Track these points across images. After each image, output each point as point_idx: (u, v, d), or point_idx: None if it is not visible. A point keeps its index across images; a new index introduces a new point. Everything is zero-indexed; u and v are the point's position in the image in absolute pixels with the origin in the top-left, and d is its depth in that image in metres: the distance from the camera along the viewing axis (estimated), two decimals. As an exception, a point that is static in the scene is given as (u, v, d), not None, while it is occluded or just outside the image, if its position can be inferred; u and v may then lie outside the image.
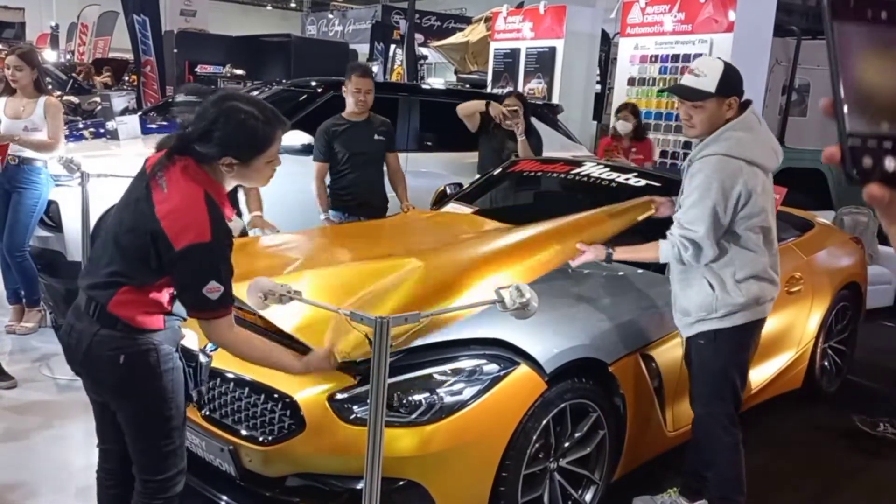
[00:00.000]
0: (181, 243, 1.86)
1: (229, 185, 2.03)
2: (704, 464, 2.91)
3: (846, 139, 0.69)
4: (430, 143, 6.15)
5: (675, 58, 6.36)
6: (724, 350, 2.75)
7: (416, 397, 2.39)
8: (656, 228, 2.89)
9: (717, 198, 2.57)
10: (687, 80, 2.66)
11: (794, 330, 3.90)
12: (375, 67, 14.85)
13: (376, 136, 4.44)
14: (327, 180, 4.49)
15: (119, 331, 1.95)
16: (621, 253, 2.83)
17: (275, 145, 2.00)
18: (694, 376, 2.86)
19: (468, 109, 5.27)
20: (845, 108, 0.69)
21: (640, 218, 3.05)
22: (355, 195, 4.45)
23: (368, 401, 1.94)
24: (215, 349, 2.59)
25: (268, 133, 1.98)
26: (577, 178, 4.11)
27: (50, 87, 5.05)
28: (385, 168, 4.57)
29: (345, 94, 4.39)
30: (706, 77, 2.60)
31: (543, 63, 8.55)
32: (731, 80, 2.61)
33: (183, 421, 2.10)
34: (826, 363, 4.32)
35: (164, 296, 2.00)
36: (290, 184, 5.12)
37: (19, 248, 4.43)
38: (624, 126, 5.59)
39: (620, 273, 3.25)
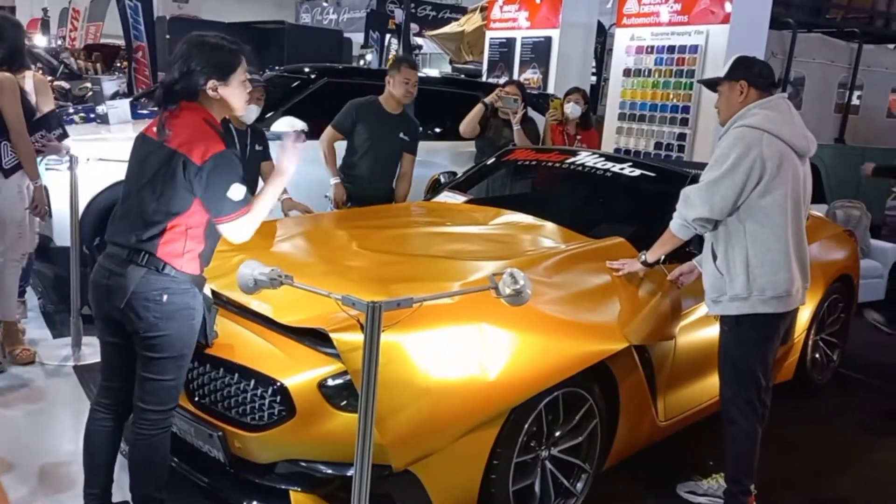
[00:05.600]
0: (202, 158, 2.17)
1: (218, 115, 2.32)
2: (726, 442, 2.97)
3: None
4: (428, 132, 6.11)
5: (672, 49, 6.32)
6: (744, 339, 2.83)
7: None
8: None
9: (731, 162, 2.71)
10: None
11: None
12: (370, 56, 14.77)
13: (402, 135, 4.45)
14: (342, 155, 4.47)
15: (165, 274, 2.23)
16: (652, 254, 3.00)
17: (244, 63, 2.32)
18: (719, 360, 2.94)
19: (470, 123, 5.26)
20: None
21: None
22: (360, 185, 4.42)
23: (359, 387, 1.92)
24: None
25: (234, 50, 2.30)
26: (572, 167, 4.09)
27: (40, 71, 4.98)
28: (398, 167, 4.55)
29: (388, 83, 4.37)
30: (724, 68, 2.91)
31: (539, 53, 8.50)
32: (740, 67, 2.87)
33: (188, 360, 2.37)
34: (817, 355, 4.33)
35: (200, 234, 2.26)
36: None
37: None
38: (573, 109, 5.49)
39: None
